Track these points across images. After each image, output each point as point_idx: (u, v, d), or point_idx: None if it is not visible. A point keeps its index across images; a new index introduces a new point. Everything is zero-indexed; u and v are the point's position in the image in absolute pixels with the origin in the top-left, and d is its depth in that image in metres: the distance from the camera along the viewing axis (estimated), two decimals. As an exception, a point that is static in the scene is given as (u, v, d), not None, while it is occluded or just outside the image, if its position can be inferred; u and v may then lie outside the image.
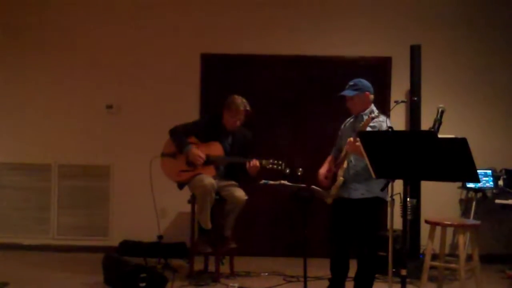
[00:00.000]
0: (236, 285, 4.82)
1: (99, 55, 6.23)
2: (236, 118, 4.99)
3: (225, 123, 5.05)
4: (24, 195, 6.21)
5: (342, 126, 4.47)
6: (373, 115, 4.02)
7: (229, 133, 5.08)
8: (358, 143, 3.73)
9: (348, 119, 4.45)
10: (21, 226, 6.18)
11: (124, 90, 6.21)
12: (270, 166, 4.77)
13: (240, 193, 4.91)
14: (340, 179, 4.11)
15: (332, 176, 4.25)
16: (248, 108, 5.00)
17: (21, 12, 6.27)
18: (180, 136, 4.99)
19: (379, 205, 4.18)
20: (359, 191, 4.12)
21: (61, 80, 6.23)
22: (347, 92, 4.24)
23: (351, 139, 3.93)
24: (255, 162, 4.78)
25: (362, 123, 3.99)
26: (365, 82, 4.29)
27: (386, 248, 4.02)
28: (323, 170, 4.38)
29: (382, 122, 4.08)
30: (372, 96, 4.28)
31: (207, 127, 5.06)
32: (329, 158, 4.48)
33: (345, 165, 4.11)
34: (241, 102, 4.98)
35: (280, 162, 4.75)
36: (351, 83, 4.27)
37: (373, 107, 4.26)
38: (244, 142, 5.08)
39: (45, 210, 6.19)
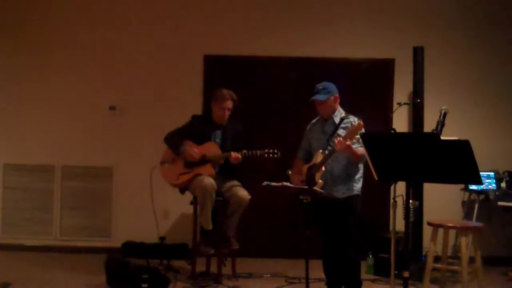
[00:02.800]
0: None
1: (102, 56, 6.24)
2: (224, 108, 5.03)
3: (215, 117, 5.10)
4: (27, 196, 6.21)
5: (308, 129, 4.52)
6: (342, 115, 4.19)
7: (220, 128, 5.12)
8: (348, 142, 3.87)
9: (314, 120, 4.49)
10: (24, 226, 6.18)
11: (127, 92, 6.22)
12: (266, 155, 4.79)
13: (243, 193, 4.92)
14: (320, 181, 4.13)
15: (306, 178, 4.25)
16: (234, 97, 5.06)
17: (24, 13, 6.28)
18: (174, 139, 5.06)
19: (359, 202, 4.26)
20: (340, 191, 4.20)
21: (64, 81, 6.24)
22: (320, 97, 4.25)
23: (340, 138, 3.95)
24: (236, 155, 4.82)
25: (350, 128, 4.01)
26: (332, 85, 4.32)
27: (388, 250, 4.02)
28: (294, 174, 4.40)
29: (354, 122, 4.12)
30: (338, 98, 4.33)
31: (198, 126, 5.11)
32: (296, 161, 4.50)
33: (323, 167, 4.13)
34: (226, 92, 5.06)
35: (275, 151, 4.78)
36: (320, 87, 4.28)
37: (340, 108, 4.34)
38: (235, 135, 5.12)
39: (48, 211, 6.20)
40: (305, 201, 3.98)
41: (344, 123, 4.17)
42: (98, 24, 6.26)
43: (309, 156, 4.41)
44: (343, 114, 4.22)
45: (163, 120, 5.80)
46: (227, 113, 5.07)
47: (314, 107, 4.33)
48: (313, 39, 6.17)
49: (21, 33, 6.27)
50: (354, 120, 4.16)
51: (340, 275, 4.34)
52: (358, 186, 4.26)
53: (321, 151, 4.20)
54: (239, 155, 4.84)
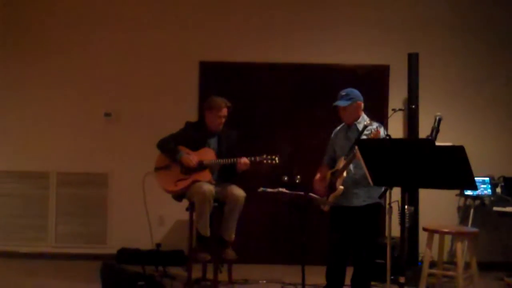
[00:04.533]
0: None
1: (98, 62, 6.24)
2: (221, 116, 5.01)
3: (209, 125, 5.07)
4: (22, 203, 6.18)
5: (333, 135, 4.53)
6: (366, 122, 4.16)
7: (214, 135, 5.11)
8: None
9: (338, 127, 4.50)
10: (19, 234, 6.15)
11: (122, 98, 6.21)
12: (264, 161, 4.79)
13: (238, 191, 4.89)
14: (340, 188, 4.15)
15: (328, 184, 4.27)
16: (229, 104, 5.04)
17: (18, 21, 6.27)
18: (169, 145, 5.02)
19: (379, 211, 4.29)
20: (361, 199, 4.20)
21: (59, 87, 6.23)
22: (341, 103, 4.28)
23: None
24: (245, 160, 4.82)
25: (369, 136, 4.02)
26: (356, 92, 4.35)
27: (384, 255, 4.03)
28: (319, 180, 4.41)
29: (374, 130, 4.12)
30: (362, 105, 4.35)
31: (192, 133, 5.09)
32: (321, 167, 4.52)
33: (344, 174, 4.14)
34: (221, 100, 5.03)
35: (273, 156, 4.78)
36: (343, 93, 4.31)
37: (364, 115, 4.34)
38: (230, 142, 5.11)
39: (43, 218, 6.17)
40: (325, 210, 4.07)
41: (367, 130, 4.15)
42: (93, 31, 6.25)
43: (334, 162, 4.42)
44: (367, 122, 4.20)
45: (158, 126, 5.78)
46: (223, 120, 5.06)
47: (337, 113, 4.35)
48: (308, 45, 6.18)
49: (14, 40, 6.26)
50: (377, 127, 4.17)
51: (342, 280, 4.35)
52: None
53: (343, 157, 4.21)
54: (248, 161, 4.82)
